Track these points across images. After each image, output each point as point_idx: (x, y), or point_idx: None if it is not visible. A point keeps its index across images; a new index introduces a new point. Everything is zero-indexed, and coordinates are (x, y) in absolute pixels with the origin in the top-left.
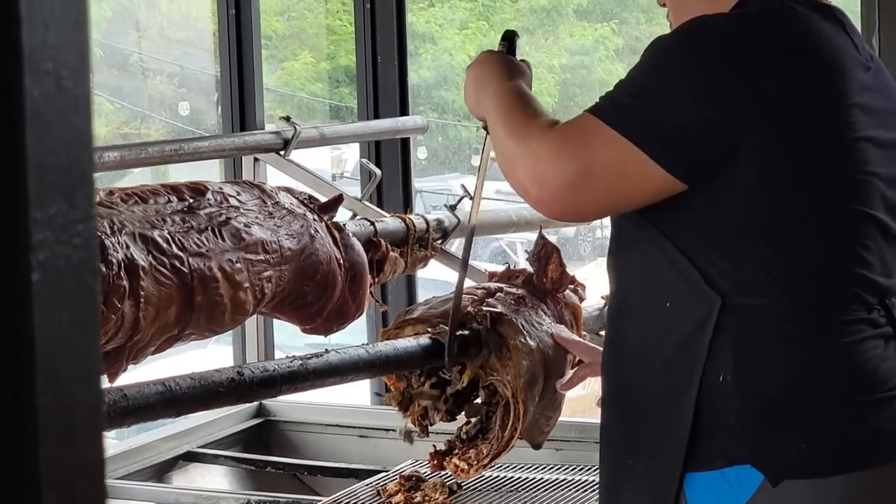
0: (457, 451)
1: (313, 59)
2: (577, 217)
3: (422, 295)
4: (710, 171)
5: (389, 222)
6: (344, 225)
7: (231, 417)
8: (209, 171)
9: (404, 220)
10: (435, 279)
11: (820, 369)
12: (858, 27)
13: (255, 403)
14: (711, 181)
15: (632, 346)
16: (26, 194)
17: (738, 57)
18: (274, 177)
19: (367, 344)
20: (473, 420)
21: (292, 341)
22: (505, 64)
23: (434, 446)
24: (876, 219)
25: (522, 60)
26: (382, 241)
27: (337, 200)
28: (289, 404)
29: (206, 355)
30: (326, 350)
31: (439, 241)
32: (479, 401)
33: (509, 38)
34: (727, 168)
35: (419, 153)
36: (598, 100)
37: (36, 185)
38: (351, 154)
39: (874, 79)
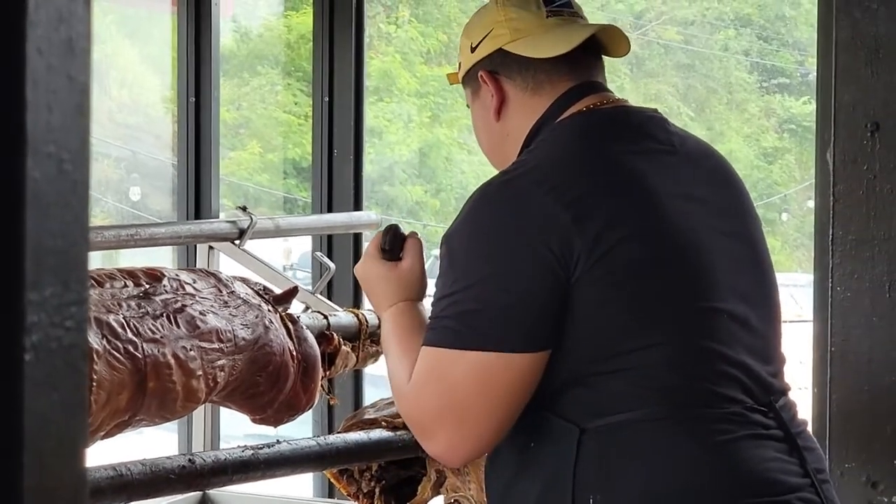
0: None
1: (261, 150)
2: (487, 446)
3: (368, 391)
4: (560, 323)
5: (342, 316)
6: (298, 317)
7: None
8: (162, 258)
9: (357, 315)
10: (383, 375)
11: (690, 473)
12: (813, 140)
13: (199, 494)
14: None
15: (504, 494)
16: (23, 275)
17: (527, 216)
18: (228, 266)
19: (317, 436)
20: None
21: (234, 430)
22: (380, 284)
23: None
24: (724, 311)
25: (412, 233)
26: (335, 334)
27: (292, 292)
28: (232, 494)
29: (146, 441)
30: (277, 441)
31: None
32: None
33: (391, 232)
34: (566, 315)
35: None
36: (427, 327)
37: (33, 267)
38: (298, 245)
39: (682, 166)
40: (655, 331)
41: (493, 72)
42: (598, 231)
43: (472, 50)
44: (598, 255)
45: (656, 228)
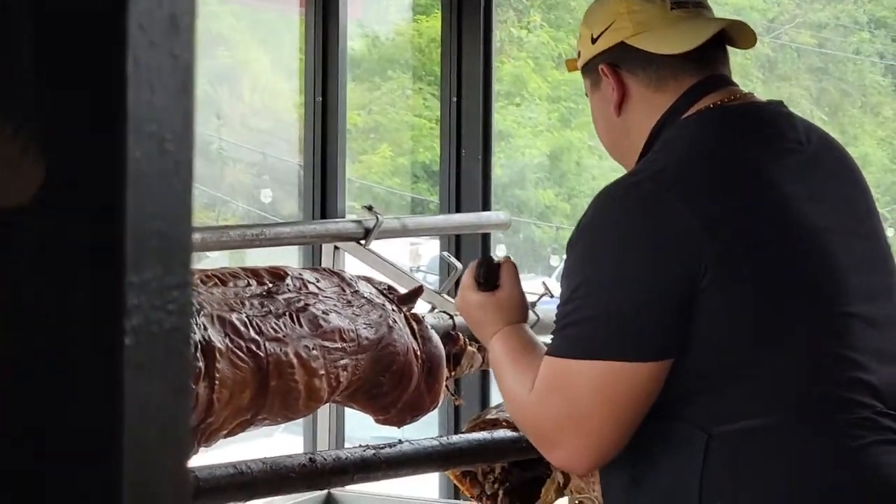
0: None
1: (392, 154)
2: (610, 454)
3: (495, 392)
4: (686, 332)
5: None
6: (423, 317)
7: None
8: (287, 258)
9: None
10: None
11: (819, 479)
12: None
13: (324, 493)
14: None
15: (623, 498)
16: (123, 257)
17: (655, 222)
18: (353, 266)
19: (440, 436)
20: None
21: (359, 433)
22: (482, 312)
23: None
24: (855, 315)
25: (505, 258)
26: (461, 334)
27: (417, 292)
28: (357, 495)
29: (273, 444)
30: (399, 441)
31: None
32: None
33: (485, 264)
34: (693, 322)
35: (498, 251)
36: (551, 337)
37: (133, 249)
38: (427, 248)
39: (810, 165)
40: (786, 338)
41: (614, 65)
42: (728, 239)
43: (593, 41)
44: (727, 264)
45: (787, 234)
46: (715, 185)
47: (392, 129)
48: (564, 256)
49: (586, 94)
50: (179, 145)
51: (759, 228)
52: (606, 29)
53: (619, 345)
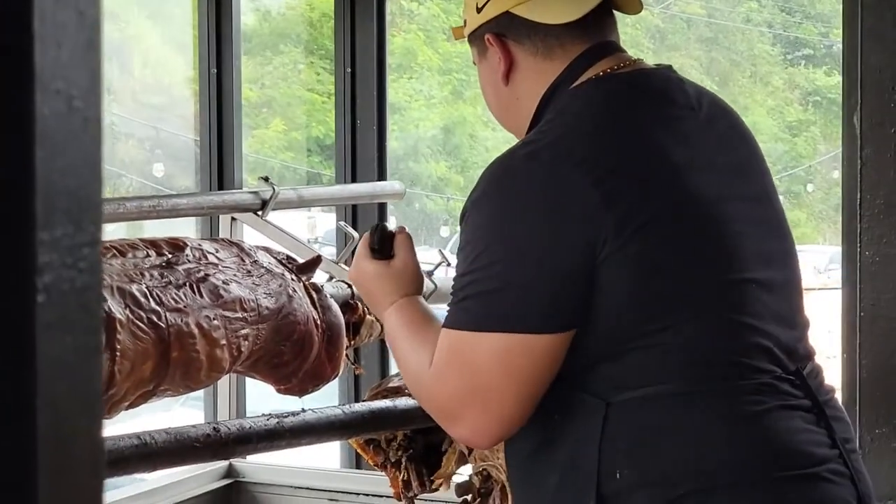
0: None
1: (285, 128)
2: (513, 427)
3: (394, 360)
4: (586, 301)
5: None
6: (322, 286)
7: (199, 478)
8: (185, 230)
9: None
10: None
11: (719, 446)
12: (838, 112)
13: (225, 464)
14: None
15: (525, 466)
16: (33, 215)
17: (554, 194)
18: (250, 237)
19: (343, 404)
20: (470, 499)
21: (259, 405)
22: (377, 283)
23: None
24: (752, 281)
25: (400, 228)
26: (360, 303)
27: (315, 261)
28: (258, 466)
29: (174, 418)
30: (303, 409)
31: None
32: (467, 478)
33: (379, 231)
34: (594, 293)
35: (390, 224)
36: (448, 308)
37: (43, 207)
38: (323, 220)
39: (701, 131)
40: (684, 307)
41: (500, 35)
42: (626, 209)
43: (479, 10)
44: (626, 234)
45: (682, 204)
46: (610, 155)
47: (284, 103)
48: (458, 228)
49: (474, 63)
50: (88, 102)
51: (654, 198)
52: None
53: (521, 316)
